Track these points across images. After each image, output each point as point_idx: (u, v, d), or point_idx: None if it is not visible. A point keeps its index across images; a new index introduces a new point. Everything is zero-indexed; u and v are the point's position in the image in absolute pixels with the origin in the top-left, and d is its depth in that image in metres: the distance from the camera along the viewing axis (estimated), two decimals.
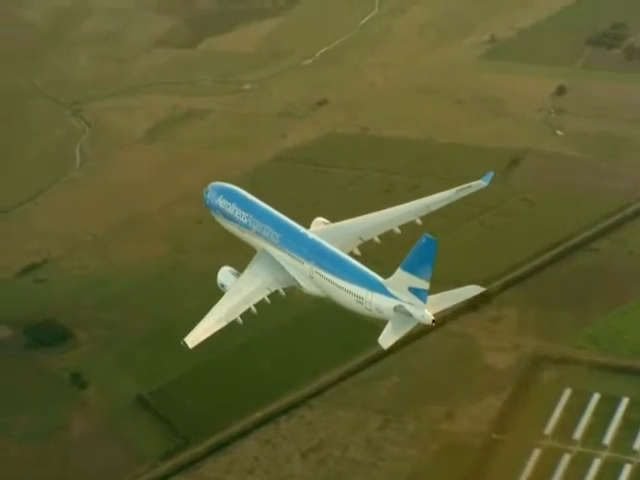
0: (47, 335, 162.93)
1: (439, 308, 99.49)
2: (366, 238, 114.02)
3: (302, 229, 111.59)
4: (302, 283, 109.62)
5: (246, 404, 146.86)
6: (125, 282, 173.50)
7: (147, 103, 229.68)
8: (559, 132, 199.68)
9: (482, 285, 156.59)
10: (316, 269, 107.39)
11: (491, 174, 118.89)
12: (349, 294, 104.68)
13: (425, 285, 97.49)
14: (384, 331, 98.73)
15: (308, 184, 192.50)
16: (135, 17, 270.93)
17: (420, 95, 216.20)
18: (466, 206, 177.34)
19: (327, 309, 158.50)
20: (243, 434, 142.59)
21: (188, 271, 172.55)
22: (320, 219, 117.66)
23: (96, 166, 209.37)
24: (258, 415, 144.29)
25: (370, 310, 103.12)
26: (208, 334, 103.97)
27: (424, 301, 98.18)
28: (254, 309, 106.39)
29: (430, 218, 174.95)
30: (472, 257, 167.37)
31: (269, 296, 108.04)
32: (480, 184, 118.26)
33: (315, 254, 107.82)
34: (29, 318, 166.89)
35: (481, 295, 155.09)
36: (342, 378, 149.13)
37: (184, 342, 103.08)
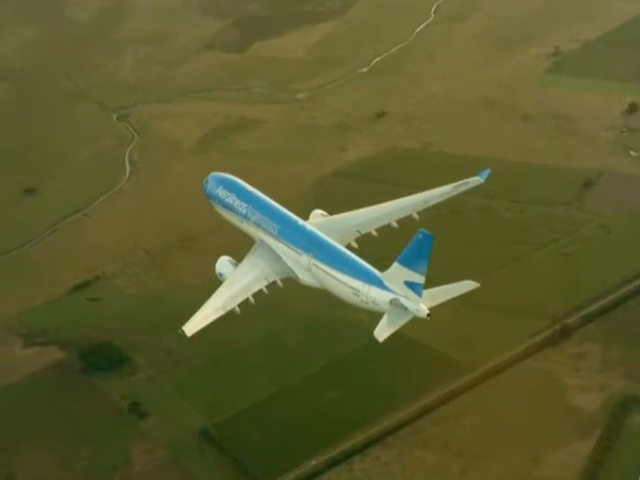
0: (102, 359, 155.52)
1: (434, 302, 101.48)
2: (364, 231, 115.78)
3: (300, 221, 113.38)
4: (299, 274, 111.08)
5: (317, 440, 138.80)
6: (182, 303, 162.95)
7: (197, 110, 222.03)
8: (633, 153, 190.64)
9: (562, 320, 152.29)
10: (314, 261, 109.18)
11: (488, 171, 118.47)
12: (346, 286, 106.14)
13: (421, 279, 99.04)
14: (379, 324, 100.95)
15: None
16: (181, 18, 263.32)
17: (484, 109, 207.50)
18: (541, 231, 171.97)
19: (398, 339, 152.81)
20: (315, 474, 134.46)
21: None
22: (319, 211, 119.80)
23: (147, 176, 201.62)
24: (332, 454, 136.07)
25: (366, 303, 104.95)
26: (206, 323, 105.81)
27: (419, 295, 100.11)
28: (252, 299, 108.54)
29: (503, 244, 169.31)
30: (548, 286, 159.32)
31: (267, 287, 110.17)
32: (477, 180, 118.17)
33: (313, 246, 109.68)
34: (83, 340, 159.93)
35: (560, 330, 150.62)
36: (418, 415, 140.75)
37: (182, 330, 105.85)
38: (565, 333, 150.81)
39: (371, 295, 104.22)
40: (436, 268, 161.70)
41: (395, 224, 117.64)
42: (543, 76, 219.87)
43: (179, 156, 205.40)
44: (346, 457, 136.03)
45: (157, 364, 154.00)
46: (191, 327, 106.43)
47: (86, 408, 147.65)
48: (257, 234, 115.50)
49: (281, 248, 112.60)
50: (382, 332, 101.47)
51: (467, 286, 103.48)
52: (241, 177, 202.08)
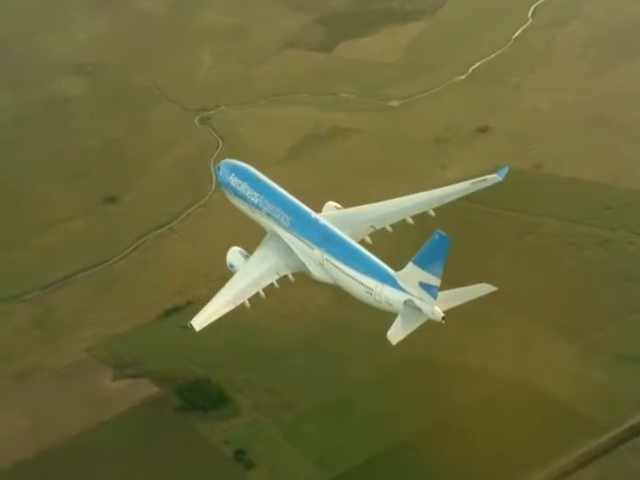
0: (201, 397, 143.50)
1: (450, 305, 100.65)
2: (378, 227, 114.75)
3: (313, 214, 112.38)
4: (311, 269, 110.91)
5: None
6: (283, 336, 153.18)
7: (284, 114, 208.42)
8: None
9: None
10: (327, 256, 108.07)
11: (506, 169, 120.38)
12: (359, 284, 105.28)
13: (436, 281, 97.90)
14: (393, 325, 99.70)
15: (478, 228, 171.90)
16: (260, 11, 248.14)
17: (595, 128, 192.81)
18: None
19: (522, 390, 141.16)
20: None
21: (354, 329, 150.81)
22: (332, 203, 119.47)
23: None
24: None
25: (380, 302, 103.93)
26: (215, 317, 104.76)
27: (434, 297, 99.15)
28: (262, 293, 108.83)
29: (629, 283, 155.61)
30: None
31: (277, 280, 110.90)
32: (495, 178, 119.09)
33: (326, 241, 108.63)
34: (178, 373, 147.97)
35: None
36: None
37: (190, 325, 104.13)
38: None
39: (385, 294, 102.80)
40: (560, 309, 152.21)
41: (410, 220, 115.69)
42: None
43: (268, 166, 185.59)
44: None
45: (261, 406, 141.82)
46: (200, 321, 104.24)
47: (187, 453, 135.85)
48: (269, 225, 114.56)
49: (293, 241, 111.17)
50: (396, 334, 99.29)
51: (483, 289, 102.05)
52: (336, 192, 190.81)
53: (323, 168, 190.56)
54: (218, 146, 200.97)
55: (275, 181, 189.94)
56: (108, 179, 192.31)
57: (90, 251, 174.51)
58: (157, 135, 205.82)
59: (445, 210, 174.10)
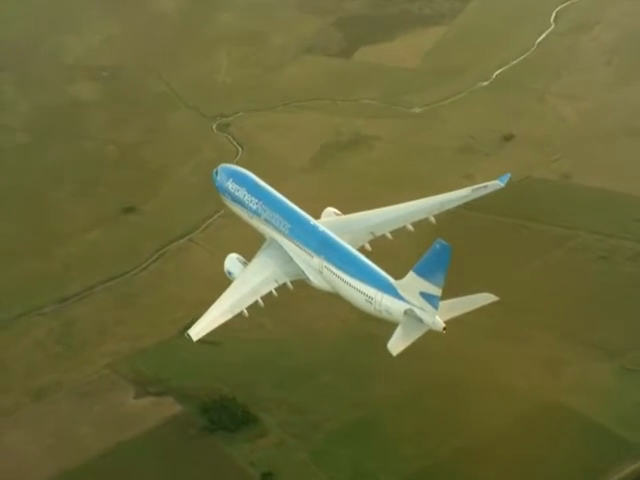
0: (226, 417, 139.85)
1: (451, 315, 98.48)
2: (378, 233, 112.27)
3: (313, 220, 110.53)
4: (311, 277, 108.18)
5: None
6: (308, 353, 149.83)
7: (304, 121, 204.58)
8: None
9: None
10: (326, 264, 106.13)
11: (508, 175, 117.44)
12: (359, 293, 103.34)
13: (437, 291, 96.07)
14: (393, 336, 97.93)
15: (504, 241, 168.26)
16: (277, 15, 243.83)
17: (624, 138, 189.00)
18: None
19: (556, 411, 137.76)
20: None
21: (380, 344, 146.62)
22: (331, 209, 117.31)
23: None
24: None
25: (380, 311, 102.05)
26: (213, 327, 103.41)
27: (435, 307, 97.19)
28: (261, 302, 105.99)
29: None
30: None
31: (276, 289, 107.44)
32: (497, 184, 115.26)
33: (326, 248, 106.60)
34: (201, 392, 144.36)
35: None
36: None
37: (188, 334, 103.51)
38: None
39: (385, 304, 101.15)
40: (591, 325, 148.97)
41: (411, 227, 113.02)
42: None
43: (289, 175, 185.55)
44: None
45: (288, 426, 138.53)
46: (197, 331, 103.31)
47: (212, 475, 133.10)
48: (267, 232, 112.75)
49: (292, 248, 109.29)
50: (396, 345, 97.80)
51: (485, 299, 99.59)
52: (364, 203, 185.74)
53: (344, 177, 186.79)
54: (237, 154, 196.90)
55: (295, 190, 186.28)
56: (125, 188, 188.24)
57: (109, 262, 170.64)
58: (175, 142, 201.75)
59: (469, 222, 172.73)
